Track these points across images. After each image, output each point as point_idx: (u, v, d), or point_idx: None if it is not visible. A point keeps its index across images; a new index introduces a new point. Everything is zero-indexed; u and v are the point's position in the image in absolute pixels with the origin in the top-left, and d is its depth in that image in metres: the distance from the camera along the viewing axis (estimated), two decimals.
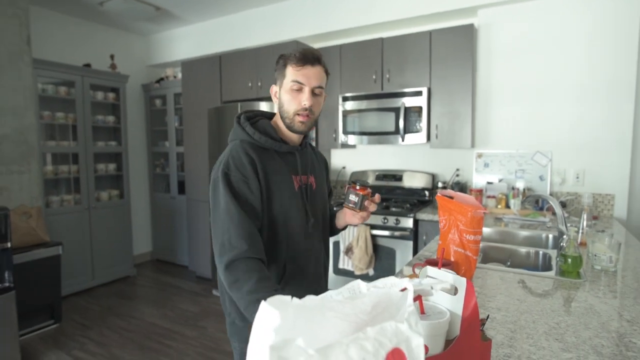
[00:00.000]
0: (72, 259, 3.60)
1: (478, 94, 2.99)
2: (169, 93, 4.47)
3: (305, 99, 1.14)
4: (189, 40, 4.32)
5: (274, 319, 0.44)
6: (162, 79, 4.59)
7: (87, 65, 3.86)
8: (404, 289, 0.56)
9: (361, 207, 1.18)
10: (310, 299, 0.52)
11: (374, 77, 3.16)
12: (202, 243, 4.03)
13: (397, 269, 2.81)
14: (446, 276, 0.79)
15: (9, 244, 2.41)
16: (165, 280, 4.14)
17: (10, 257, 2.42)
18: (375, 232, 2.88)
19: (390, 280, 0.57)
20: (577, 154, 2.69)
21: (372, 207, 1.20)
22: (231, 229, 1.05)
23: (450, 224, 1.41)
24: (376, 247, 2.89)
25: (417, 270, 1.38)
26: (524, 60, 2.82)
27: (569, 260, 1.45)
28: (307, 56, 1.14)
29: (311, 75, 1.14)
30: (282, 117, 1.19)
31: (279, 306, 0.47)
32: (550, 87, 2.75)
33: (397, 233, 2.80)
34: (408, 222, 2.77)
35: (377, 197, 1.22)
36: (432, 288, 0.56)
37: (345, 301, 0.54)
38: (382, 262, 2.89)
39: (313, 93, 1.15)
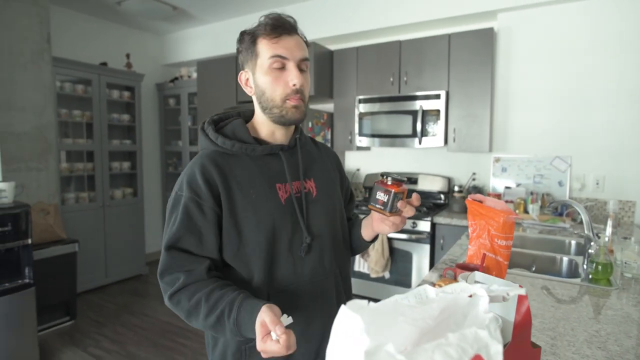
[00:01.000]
0: (86, 257, 3.61)
1: (497, 98, 2.97)
2: (183, 92, 4.49)
3: (293, 77, 0.89)
4: (204, 40, 4.33)
5: (357, 324, 0.44)
6: (176, 78, 4.61)
7: (104, 64, 3.88)
8: (471, 295, 0.56)
9: (392, 209, 0.86)
10: (383, 303, 0.52)
11: (391, 79, 3.16)
12: None
13: (414, 273, 2.80)
14: (495, 281, 0.79)
15: (29, 241, 2.43)
16: None
17: (30, 253, 2.44)
18: (391, 235, 2.87)
19: (460, 286, 0.57)
20: (597, 160, 2.67)
21: (409, 211, 0.88)
22: (166, 260, 0.88)
23: (481, 228, 1.41)
24: (392, 250, 2.89)
25: (448, 275, 1.37)
26: (544, 64, 2.81)
27: (599, 267, 1.44)
28: (283, 24, 0.90)
29: (293, 46, 0.89)
30: (265, 109, 0.93)
31: (357, 310, 0.47)
32: (571, 92, 2.73)
33: (414, 236, 2.79)
34: (425, 226, 2.76)
35: (415, 197, 0.89)
36: (507, 295, 0.55)
37: (416, 306, 0.54)
38: (398, 266, 2.88)
39: (300, 69, 0.91)
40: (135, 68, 4.29)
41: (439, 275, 1.47)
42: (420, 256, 2.78)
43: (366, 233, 1.08)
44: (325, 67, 3.41)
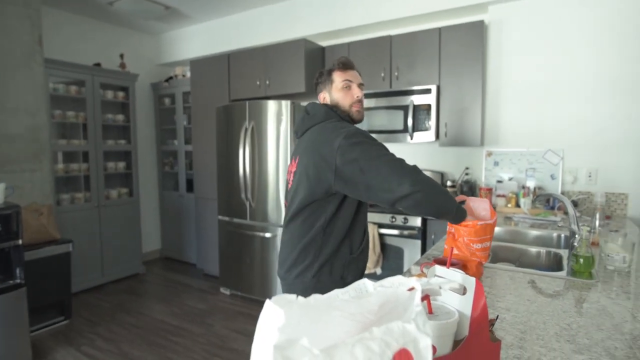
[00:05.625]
0: (82, 257, 3.64)
1: (488, 92, 2.95)
2: (178, 92, 4.49)
3: (357, 91, 1.47)
4: (197, 39, 4.33)
5: (278, 318, 0.44)
6: (171, 77, 4.62)
7: (97, 65, 3.89)
8: (411, 289, 0.55)
9: None
10: (315, 297, 0.51)
11: (382, 74, 3.14)
12: (209, 241, 4.04)
13: (405, 268, 2.79)
14: (455, 275, 0.78)
15: (20, 241, 2.44)
16: (174, 277, 4.17)
17: (21, 254, 2.45)
18: (383, 230, 2.86)
19: (397, 279, 0.56)
20: (590, 153, 2.64)
21: None
22: (400, 169, 1.24)
23: (457, 232, 1.38)
24: (384, 246, 2.88)
25: (425, 270, 1.36)
26: (535, 57, 2.78)
27: (581, 260, 1.43)
28: (348, 63, 1.49)
29: (354, 75, 1.49)
30: (335, 113, 1.47)
31: (284, 305, 0.46)
32: (562, 84, 2.71)
33: (405, 232, 2.78)
34: (416, 221, 2.75)
35: None
36: (440, 288, 0.54)
37: (351, 300, 0.53)
38: (389, 262, 2.87)
39: (359, 88, 1.49)
40: (130, 68, 4.30)
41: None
42: (412, 252, 2.77)
43: None
44: (316, 63, 3.40)
